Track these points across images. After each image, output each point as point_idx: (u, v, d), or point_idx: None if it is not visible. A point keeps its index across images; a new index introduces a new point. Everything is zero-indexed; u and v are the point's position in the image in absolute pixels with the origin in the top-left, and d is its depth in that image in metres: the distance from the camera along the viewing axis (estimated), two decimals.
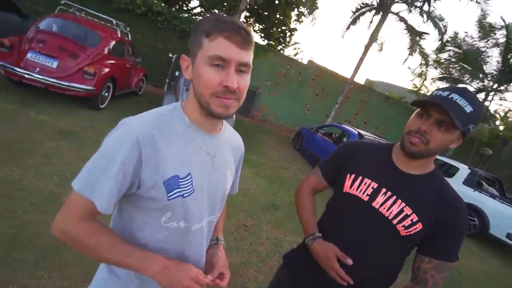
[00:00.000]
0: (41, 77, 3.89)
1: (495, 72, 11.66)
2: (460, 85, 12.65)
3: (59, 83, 3.98)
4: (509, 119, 15.04)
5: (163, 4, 8.70)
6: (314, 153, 6.37)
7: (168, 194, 0.63)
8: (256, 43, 9.91)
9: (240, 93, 0.63)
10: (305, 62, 11.13)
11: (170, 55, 7.41)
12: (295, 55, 17.94)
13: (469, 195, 5.64)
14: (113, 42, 4.86)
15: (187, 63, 0.66)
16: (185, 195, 0.66)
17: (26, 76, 3.86)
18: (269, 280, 2.29)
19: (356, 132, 5.74)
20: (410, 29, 9.47)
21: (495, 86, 11.80)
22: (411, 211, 0.86)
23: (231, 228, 2.86)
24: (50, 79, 3.93)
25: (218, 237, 0.89)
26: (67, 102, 4.52)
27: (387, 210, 0.88)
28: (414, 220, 0.85)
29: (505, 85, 11.67)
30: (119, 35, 5.24)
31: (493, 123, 14.02)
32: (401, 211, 0.86)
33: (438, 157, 6.60)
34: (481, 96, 12.27)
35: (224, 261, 0.82)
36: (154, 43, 8.60)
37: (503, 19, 11.19)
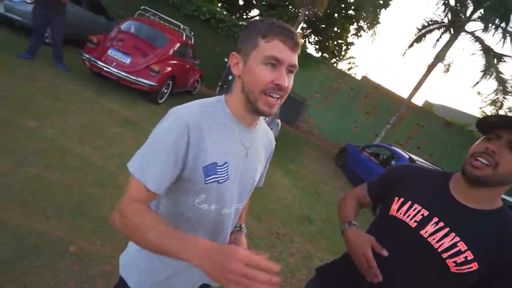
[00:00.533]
0: (116, 70, 4.44)
1: None
2: None
3: (129, 77, 4.50)
4: None
5: (225, 12, 9.29)
6: (357, 172, 6.07)
7: (206, 179, 0.69)
8: (309, 54, 9.98)
9: (287, 91, 0.68)
10: (358, 77, 10.73)
11: (226, 59, 7.82)
12: (349, 69, 17.42)
13: None
14: (178, 44, 5.33)
15: (237, 60, 0.71)
16: (220, 181, 0.71)
17: (104, 69, 4.44)
18: None
19: (407, 156, 5.33)
20: (487, 50, 8.49)
21: None
22: (466, 248, 0.76)
23: (263, 233, 2.88)
24: (123, 73, 4.46)
25: (241, 225, 0.95)
26: (132, 95, 5.06)
27: (437, 242, 0.80)
28: (468, 258, 0.76)
29: None
30: (184, 38, 5.73)
31: None
32: (454, 245, 0.78)
33: (503, 196, 5.76)
34: None
35: (244, 244, 0.88)
36: (213, 47, 9.18)
37: None
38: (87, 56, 4.51)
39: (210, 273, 0.52)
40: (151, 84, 4.71)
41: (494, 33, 7.98)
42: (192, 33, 6.69)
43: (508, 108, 12.24)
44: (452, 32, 8.70)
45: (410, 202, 0.89)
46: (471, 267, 0.76)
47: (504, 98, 9.42)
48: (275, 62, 0.65)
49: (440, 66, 9.28)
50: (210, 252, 0.53)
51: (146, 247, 0.60)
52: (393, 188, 0.97)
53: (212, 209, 0.75)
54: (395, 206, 0.92)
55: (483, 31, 8.06)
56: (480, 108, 21.35)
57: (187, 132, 0.65)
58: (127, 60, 4.61)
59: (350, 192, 1.14)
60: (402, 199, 0.91)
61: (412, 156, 5.48)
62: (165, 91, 5.35)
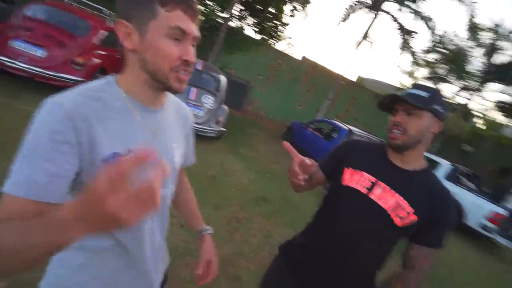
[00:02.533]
0: (27, 66, 3.79)
1: (477, 73, 12.06)
2: (445, 84, 12.89)
3: (46, 73, 3.89)
4: (488, 117, 15.65)
5: None
6: (304, 148, 6.48)
7: None
8: (249, 37, 9.94)
9: (192, 67, 0.65)
10: (297, 57, 11.18)
11: None
12: (287, 49, 17.92)
13: (449, 189, 5.91)
14: (103, 32, 4.76)
15: (128, 30, 0.59)
16: None
17: (8, 64, 3.74)
18: (260, 270, 2.39)
19: (347, 128, 5.87)
20: (401, 28, 9.65)
21: (477, 86, 12.23)
22: (407, 204, 0.92)
23: (223, 220, 2.92)
24: (37, 69, 3.83)
25: (201, 230, 0.92)
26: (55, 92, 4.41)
27: (385, 203, 0.94)
28: (410, 212, 0.91)
29: (485, 85, 12.11)
30: (109, 25, 5.13)
31: (473, 121, 14.57)
32: (398, 203, 0.92)
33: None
34: (464, 94, 12.70)
35: (208, 251, 0.87)
36: None
37: (491, 21, 11.55)
38: None
39: (97, 227, 0.41)
40: (78, 80, 4.16)
41: (399, 8, 9.14)
42: None
43: (420, 78, 14.29)
44: (373, 11, 9.59)
45: (359, 171, 1.01)
46: (412, 220, 0.92)
47: (416, 69, 11.01)
48: (180, 35, 0.59)
49: (366, 44, 10.23)
50: (79, 210, 0.40)
51: (20, 261, 0.43)
52: (342, 161, 1.08)
53: None
54: (346, 176, 1.03)
55: (399, 10, 9.13)
56: (400, 81, 24.36)
57: (71, 120, 0.54)
58: (41, 53, 3.96)
59: None
60: (352, 169, 1.03)
61: (351, 127, 6.07)
62: None
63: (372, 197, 0.96)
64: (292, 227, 3.34)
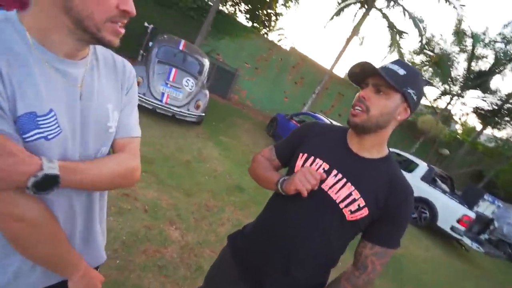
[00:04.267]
0: None
1: (460, 78, 12.41)
2: (430, 87, 13.22)
3: None
4: (465, 122, 16.28)
5: None
6: None
7: (24, 136, 0.51)
8: (239, 23, 9.64)
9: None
10: (286, 48, 11.01)
11: (146, 24, 6.92)
12: (279, 41, 17.69)
13: (424, 189, 6.07)
14: None
15: None
16: (49, 136, 0.53)
17: None
18: None
19: (329, 123, 5.84)
20: (391, 27, 9.68)
21: (459, 91, 12.61)
22: (359, 196, 0.83)
23: (192, 207, 2.80)
24: None
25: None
26: None
27: (336, 193, 0.84)
28: (361, 205, 0.82)
29: (466, 91, 12.51)
30: None
31: (452, 125, 15.11)
32: (349, 194, 0.83)
33: (401, 153, 6.97)
34: (445, 99, 13.07)
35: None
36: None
37: (470, 29, 11.80)
38: None
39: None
40: None
41: (391, 5, 9.15)
42: None
43: None
44: (365, 7, 9.53)
45: (313, 157, 0.90)
46: (362, 213, 0.83)
47: None
48: None
49: (356, 40, 10.21)
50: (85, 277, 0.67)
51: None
52: (298, 145, 0.98)
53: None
54: (299, 162, 0.93)
55: (387, 7, 9.13)
56: None
57: None
58: None
59: (259, 155, 1.09)
60: (306, 155, 0.92)
61: (333, 122, 6.04)
62: None
63: (323, 187, 0.86)
64: None
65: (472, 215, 5.78)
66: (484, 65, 12.10)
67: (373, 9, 9.47)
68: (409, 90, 0.80)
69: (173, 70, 4.61)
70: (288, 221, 0.90)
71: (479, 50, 11.89)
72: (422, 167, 6.37)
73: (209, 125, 5.56)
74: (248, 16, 14.53)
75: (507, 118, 12.78)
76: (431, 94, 16.20)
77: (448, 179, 7.03)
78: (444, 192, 6.10)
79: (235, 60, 9.55)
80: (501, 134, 16.21)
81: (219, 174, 3.83)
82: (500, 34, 11.72)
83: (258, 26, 14.73)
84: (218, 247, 2.40)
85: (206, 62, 5.36)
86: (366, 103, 0.82)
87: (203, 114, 4.88)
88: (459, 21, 10.64)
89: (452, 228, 5.70)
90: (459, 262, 5.58)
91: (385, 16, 9.61)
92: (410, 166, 6.62)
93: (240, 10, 14.75)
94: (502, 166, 12.74)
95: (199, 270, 2.06)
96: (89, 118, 0.61)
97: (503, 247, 8.23)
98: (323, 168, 0.88)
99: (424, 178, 6.22)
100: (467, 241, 5.96)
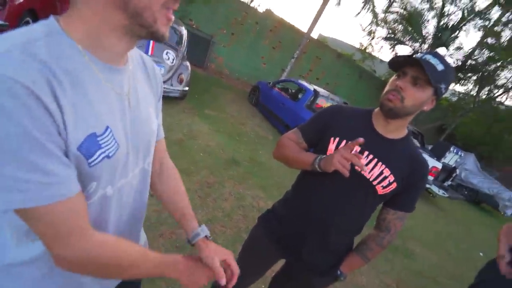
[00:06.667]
0: None
1: (430, 35, 12.72)
2: (402, 46, 13.46)
3: None
4: None
5: None
6: (271, 109, 6.43)
7: (90, 160, 0.47)
8: None
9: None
10: (261, 11, 10.44)
11: None
12: (252, 1, 16.64)
13: None
14: None
15: None
16: (110, 154, 0.50)
17: None
18: (235, 233, 2.43)
19: (312, 89, 5.88)
20: None
21: (429, 49, 13.02)
22: (390, 173, 0.95)
23: (194, 185, 2.84)
24: None
25: (195, 234, 0.73)
26: None
27: (369, 173, 0.95)
28: (391, 181, 0.95)
29: (436, 48, 12.95)
30: None
31: None
32: (381, 173, 0.95)
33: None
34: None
35: (219, 251, 0.71)
36: None
37: None
38: None
39: (185, 284, 0.67)
40: None
41: None
42: None
43: (378, 38, 14.65)
44: None
45: (345, 140, 0.98)
46: (392, 187, 0.96)
47: (375, 29, 11.20)
48: None
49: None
50: (190, 269, 0.68)
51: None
52: (326, 129, 1.04)
53: (108, 194, 0.55)
54: (332, 146, 1.00)
55: None
56: (361, 38, 24.78)
57: (30, 96, 0.37)
58: None
59: (285, 138, 1.13)
60: (338, 139, 1.00)
61: (316, 88, 6.09)
62: None
63: (356, 168, 0.94)
64: (263, 188, 3.41)
65: (439, 165, 6.46)
66: (451, 23, 12.42)
67: None
68: (442, 86, 0.88)
69: (151, 42, 4.27)
70: (324, 198, 1.01)
71: (447, 7, 12.10)
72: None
73: (192, 98, 5.39)
74: None
75: (469, 74, 13.58)
76: (403, 53, 16.53)
77: (419, 135, 7.60)
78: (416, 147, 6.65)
79: (209, 25, 8.96)
80: (463, 89, 17.33)
81: (213, 150, 3.84)
82: None
83: None
84: (227, 221, 2.53)
85: (184, 31, 5.00)
86: (402, 93, 0.88)
87: (187, 88, 4.69)
88: None
89: None
90: (428, 207, 6.34)
91: None
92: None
93: None
94: (462, 119, 13.85)
95: None
96: (138, 127, 0.59)
97: (461, 190, 9.45)
98: (355, 150, 0.96)
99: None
100: (434, 188, 6.74)
